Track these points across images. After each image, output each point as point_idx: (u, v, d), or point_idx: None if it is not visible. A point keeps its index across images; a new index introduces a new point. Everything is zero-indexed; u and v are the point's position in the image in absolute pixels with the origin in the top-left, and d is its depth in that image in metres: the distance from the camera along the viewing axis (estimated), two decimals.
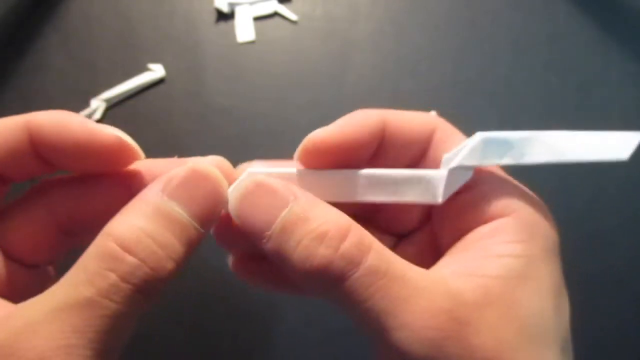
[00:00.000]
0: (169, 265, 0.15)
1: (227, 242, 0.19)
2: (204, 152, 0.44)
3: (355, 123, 0.18)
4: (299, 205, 0.16)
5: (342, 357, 0.34)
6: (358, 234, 0.16)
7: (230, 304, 0.35)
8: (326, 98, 0.41)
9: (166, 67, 0.41)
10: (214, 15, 0.43)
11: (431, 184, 0.17)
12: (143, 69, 0.41)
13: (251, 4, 0.43)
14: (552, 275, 0.17)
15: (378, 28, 0.44)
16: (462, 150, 0.17)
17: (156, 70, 0.41)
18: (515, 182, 0.19)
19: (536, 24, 0.45)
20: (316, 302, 0.34)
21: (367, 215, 0.21)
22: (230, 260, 0.21)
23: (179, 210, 0.15)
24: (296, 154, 0.18)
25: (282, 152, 0.39)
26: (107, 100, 0.40)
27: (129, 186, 0.18)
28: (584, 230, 0.40)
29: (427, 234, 0.20)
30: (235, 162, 0.19)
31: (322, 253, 0.15)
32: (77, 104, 0.39)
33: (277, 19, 0.43)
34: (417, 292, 0.15)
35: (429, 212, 0.20)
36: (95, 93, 0.40)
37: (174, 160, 0.18)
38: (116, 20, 0.42)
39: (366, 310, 0.15)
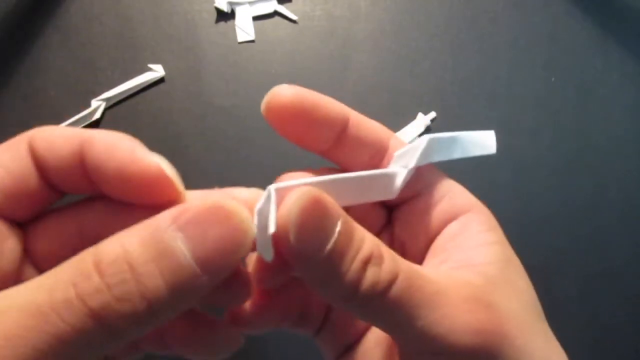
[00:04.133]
0: (138, 303, 0.12)
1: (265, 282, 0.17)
2: (204, 152, 0.44)
3: (324, 98, 0.17)
4: (344, 224, 0.14)
5: None
6: (387, 248, 0.15)
7: None
8: None
9: (166, 67, 0.41)
10: (214, 15, 0.43)
11: (391, 180, 0.18)
12: (143, 69, 0.41)
13: (251, 3, 0.43)
14: (517, 257, 0.18)
15: (378, 28, 0.44)
16: (417, 150, 0.18)
17: (156, 70, 0.41)
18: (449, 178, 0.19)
19: (536, 24, 0.45)
20: None
21: None
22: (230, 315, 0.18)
23: (180, 246, 0.13)
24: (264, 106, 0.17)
25: (282, 152, 0.39)
26: (107, 100, 0.40)
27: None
28: (584, 230, 0.40)
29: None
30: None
31: (371, 274, 0.14)
32: (77, 104, 0.39)
33: (277, 19, 0.43)
34: (441, 287, 0.15)
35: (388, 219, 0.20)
36: (95, 93, 0.40)
37: (212, 192, 0.16)
38: (116, 20, 0.42)
39: (408, 314, 0.15)
